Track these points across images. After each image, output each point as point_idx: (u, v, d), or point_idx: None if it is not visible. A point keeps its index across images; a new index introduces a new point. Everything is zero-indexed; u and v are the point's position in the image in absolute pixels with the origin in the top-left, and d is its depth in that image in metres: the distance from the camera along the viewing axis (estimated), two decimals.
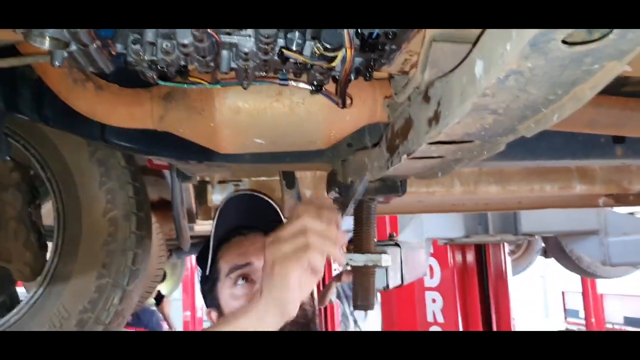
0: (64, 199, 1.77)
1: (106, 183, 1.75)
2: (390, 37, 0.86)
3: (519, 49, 0.53)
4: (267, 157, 1.40)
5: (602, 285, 14.51)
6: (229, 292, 1.35)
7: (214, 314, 1.39)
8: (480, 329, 3.03)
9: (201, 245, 1.54)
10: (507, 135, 0.81)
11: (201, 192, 1.98)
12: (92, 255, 1.73)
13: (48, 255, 1.82)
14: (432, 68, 0.81)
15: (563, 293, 16.90)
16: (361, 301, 1.39)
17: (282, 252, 0.99)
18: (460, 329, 3.02)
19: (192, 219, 3.06)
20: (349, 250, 1.46)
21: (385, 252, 1.41)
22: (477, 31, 0.79)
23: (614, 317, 15.30)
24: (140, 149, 1.38)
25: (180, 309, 12.38)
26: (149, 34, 0.88)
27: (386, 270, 1.55)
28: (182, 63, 0.96)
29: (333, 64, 0.87)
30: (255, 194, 1.56)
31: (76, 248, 1.74)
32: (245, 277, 1.34)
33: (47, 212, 2.05)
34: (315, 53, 0.88)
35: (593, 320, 15.24)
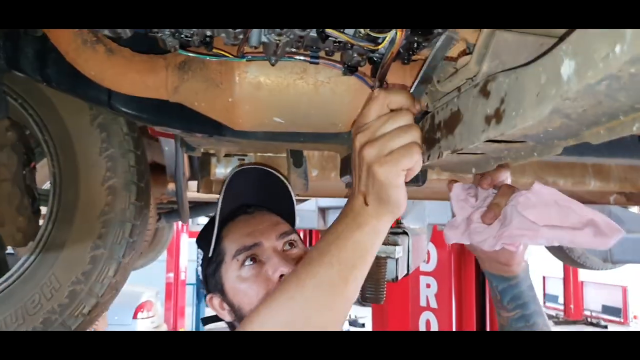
0: (61, 164, 1.68)
1: (107, 150, 1.66)
2: None
3: (633, 53, 0.46)
4: (281, 135, 1.32)
5: (582, 273, 14.71)
6: (236, 275, 1.24)
7: (216, 300, 1.29)
8: (474, 315, 3.01)
9: (193, 211, 1.44)
10: (568, 139, 0.74)
11: (204, 164, 1.89)
12: (88, 225, 1.65)
13: (41, 221, 1.74)
14: (492, 60, 0.73)
15: (544, 278, 17.15)
16: (371, 294, 1.34)
17: (382, 154, 0.85)
18: (454, 315, 3.00)
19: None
20: None
21: (397, 244, 1.35)
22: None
23: (593, 305, 15.58)
24: (148, 119, 1.29)
25: (164, 270, 12.42)
26: None
27: (396, 261, 1.49)
28: (209, 34, 0.87)
29: (380, 47, 0.79)
30: (266, 168, 1.43)
31: (72, 216, 1.66)
32: (253, 258, 1.24)
33: (42, 175, 1.96)
34: (360, 32, 0.80)
35: (572, 306, 15.52)
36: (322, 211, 4.80)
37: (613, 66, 0.48)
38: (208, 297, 1.31)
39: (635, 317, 15.20)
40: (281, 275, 1.19)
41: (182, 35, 0.87)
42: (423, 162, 0.94)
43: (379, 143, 0.84)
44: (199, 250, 1.36)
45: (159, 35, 0.88)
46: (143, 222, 1.75)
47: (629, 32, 0.46)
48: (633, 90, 0.55)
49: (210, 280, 1.30)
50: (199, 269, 1.35)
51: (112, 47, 1.14)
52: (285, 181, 1.42)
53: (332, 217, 4.68)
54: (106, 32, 0.88)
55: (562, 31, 0.72)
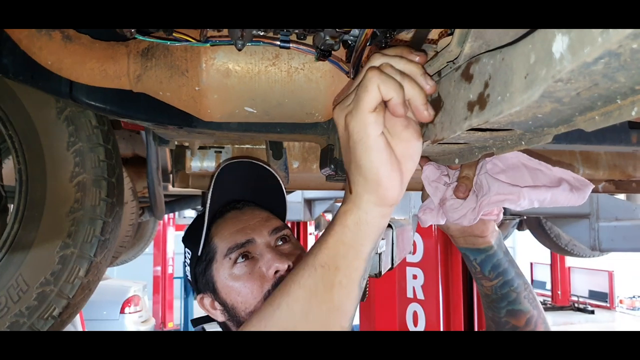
0: (27, 160, 1.59)
1: (75, 144, 1.57)
2: None
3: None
4: (256, 126, 1.25)
5: (569, 259, 14.80)
6: (228, 273, 1.18)
7: (207, 300, 1.23)
8: (461, 306, 2.97)
9: (176, 205, 1.37)
10: (559, 126, 0.68)
11: (179, 157, 1.82)
12: (57, 223, 1.57)
13: (7, 220, 1.65)
14: (475, 40, 0.66)
15: (532, 264, 17.26)
16: None
17: (346, 108, 0.72)
18: (441, 306, 2.96)
19: (166, 178, 2.90)
20: None
21: (381, 237, 1.29)
22: None
23: (580, 291, 15.71)
24: (113, 110, 1.22)
25: (151, 263, 12.33)
26: None
27: (379, 256, 1.43)
28: None
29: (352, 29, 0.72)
30: (255, 162, 1.37)
31: (39, 214, 1.57)
32: (246, 255, 1.18)
33: (8, 171, 1.87)
34: None
35: (559, 292, 15.64)
36: (309, 203, 4.74)
37: (613, 40, 0.41)
38: (198, 297, 1.26)
39: (621, 301, 15.34)
40: (276, 272, 1.15)
41: None
42: None
43: (345, 97, 0.74)
44: (187, 249, 1.31)
45: None
46: (115, 219, 1.67)
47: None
48: (634, 69, 0.48)
49: (200, 279, 1.25)
50: (187, 268, 1.30)
51: (69, 34, 1.06)
52: (275, 174, 1.37)
53: (318, 209, 4.62)
54: None
55: None
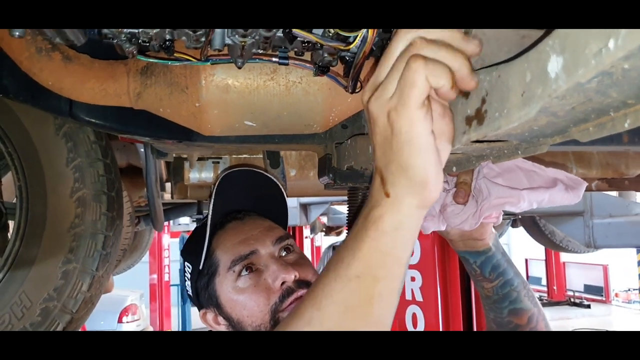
0: (27, 177, 1.60)
1: (74, 160, 1.59)
2: None
3: (628, 49, 0.41)
4: (255, 138, 1.27)
5: (564, 254, 14.88)
6: (232, 286, 1.15)
7: (210, 315, 1.20)
8: (460, 306, 2.99)
9: (172, 213, 1.36)
10: (554, 137, 0.70)
11: (177, 169, 1.83)
12: (58, 239, 1.58)
13: (8, 237, 1.66)
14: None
15: (527, 260, 17.32)
16: None
17: (388, 103, 0.64)
18: (440, 307, 2.98)
19: (161, 186, 2.91)
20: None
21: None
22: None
23: (575, 285, 15.78)
24: (112, 127, 1.23)
25: (147, 272, 12.29)
26: None
27: None
28: (168, 37, 0.81)
29: (351, 47, 0.74)
30: (256, 170, 1.34)
31: (40, 230, 1.58)
32: (249, 267, 1.15)
33: (7, 185, 1.88)
34: (329, 32, 0.75)
35: (555, 287, 15.71)
36: (304, 207, 4.75)
37: (606, 62, 0.44)
38: (201, 313, 1.22)
39: (617, 294, 15.43)
40: (283, 283, 1.12)
41: (140, 40, 0.81)
42: None
43: (381, 87, 0.65)
44: (187, 263, 1.26)
45: (115, 41, 0.81)
46: (116, 232, 1.68)
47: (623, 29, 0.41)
48: (626, 86, 0.51)
49: (202, 294, 1.21)
50: (188, 283, 1.26)
51: (69, 55, 1.08)
52: (277, 183, 1.34)
53: (314, 213, 4.64)
54: (58, 39, 0.81)
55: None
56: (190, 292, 1.26)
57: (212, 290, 1.18)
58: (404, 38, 0.64)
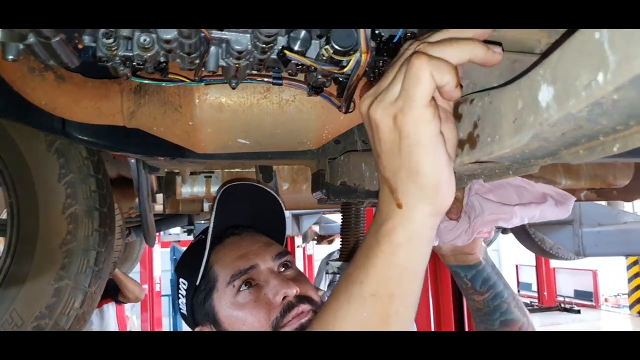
0: (18, 193, 1.59)
1: (66, 176, 1.58)
2: (409, 37, 0.74)
3: (618, 83, 0.42)
4: (248, 155, 1.27)
5: (554, 260, 14.95)
6: (231, 302, 1.13)
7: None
8: (452, 318, 3.00)
9: (163, 224, 1.34)
10: (545, 158, 0.71)
11: (169, 184, 1.83)
12: (50, 256, 1.57)
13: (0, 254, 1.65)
14: (462, 79, 0.69)
15: (517, 266, 17.38)
16: None
17: (392, 106, 0.62)
18: (432, 320, 2.98)
19: (153, 197, 2.90)
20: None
21: None
22: (532, 37, 0.68)
23: (565, 291, 15.85)
24: (105, 145, 1.24)
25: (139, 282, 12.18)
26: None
27: None
28: (162, 60, 0.82)
29: (345, 70, 0.74)
30: (256, 184, 1.34)
31: (32, 247, 1.57)
32: (249, 283, 1.14)
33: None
34: (323, 55, 0.76)
35: (545, 293, 15.77)
36: (297, 218, 4.75)
37: (597, 95, 0.45)
38: (197, 329, 1.20)
39: (606, 299, 15.51)
40: (284, 297, 1.11)
41: (134, 63, 0.81)
42: None
43: (383, 92, 0.63)
44: (182, 280, 1.24)
45: (109, 64, 0.82)
46: (108, 248, 1.68)
47: (612, 59, 0.43)
48: (616, 114, 0.52)
49: (198, 311, 1.19)
50: (182, 300, 1.24)
51: (62, 74, 1.08)
52: (278, 198, 1.34)
53: (306, 223, 4.63)
54: (52, 61, 0.81)
55: (537, 47, 0.69)
56: (184, 311, 1.24)
57: (210, 307, 1.16)
58: (409, 48, 0.63)
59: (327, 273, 1.16)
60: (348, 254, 1.33)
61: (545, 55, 0.59)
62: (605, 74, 0.43)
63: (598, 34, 0.43)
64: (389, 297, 0.65)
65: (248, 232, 1.27)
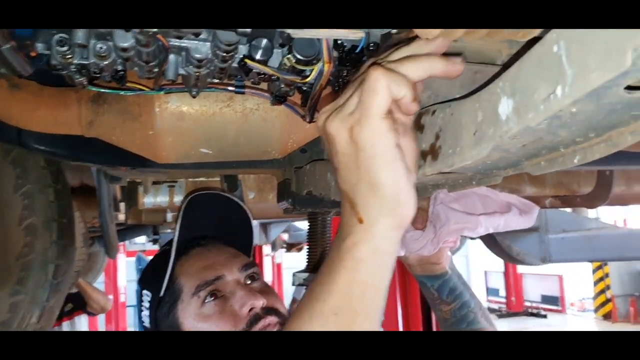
0: None
1: (23, 186, 1.52)
2: (372, 48, 0.74)
3: (575, 96, 0.42)
4: (211, 164, 1.25)
5: (521, 265, 15.16)
6: (196, 313, 1.11)
7: None
8: (421, 326, 3.01)
9: (127, 233, 1.31)
10: (507, 169, 0.71)
11: (131, 193, 1.79)
12: (6, 269, 1.51)
13: None
14: (424, 90, 0.69)
15: (485, 272, 17.61)
16: None
17: (349, 118, 0.61)
18: (400, 328, 2.99)
19: (115, 207, 2.83)
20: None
21: None
22: (493, 48, 0.68)
23: (532, 296, 16.12)
24: (63, 155, 1.20)
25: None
26: (79, 35, 0.71)
27: None
28: (120, 68, 0.79)
29: (307, 79, 0.73)
30: (223, 194, 1.32)
31: None
32: (214, 294, 1.12)
33: None
34: (285, 65, 0.74)
35: (513, 298, 16.01)
36: (264, 226, 4.72)
37: (555, 108, 0.44)
38: None
39: (572, 304, 15.81)
40: (250, 309, 1.09)
41: (91, 71, 0.78)
42: None
43: (340, 106, 0.64)
44: (145, 291, 1.21)
45: (64, 72, 0.79)
46: (68, 260, 1.63)
47: (569, 72, 0.42)
48: (575, 127, 0.52)
49: (162, 323, 1.16)
50: (145, 313, 1.21)
51: (16, 82, 1.04)
52: (245, 207, 1.32)
53: (274, 232, 4.60)
54: (4, 69, 0.78)
55: (497, 57, 0.69)
56: (146, 324, 1.21)
57: (174, 319, 1.14)
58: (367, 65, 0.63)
59: (293, 285, 1.16)
60: (315, 265, 1.32)
61: (506, 66, 0.58)
62: (563, 87, 0.43)
63: (556, 47, 0.43)
64: (352, 313, 0.64)
65: (214, 243, 1.25)
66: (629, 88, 0.44)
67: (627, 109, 0.48)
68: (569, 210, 2.94)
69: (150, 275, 1.25)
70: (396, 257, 0.68)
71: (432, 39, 0.61)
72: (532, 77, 0.46)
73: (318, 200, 1.21)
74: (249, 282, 1.18)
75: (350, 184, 0.64)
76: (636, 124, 0.52)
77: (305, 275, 1.31)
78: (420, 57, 0.61)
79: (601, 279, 14.31)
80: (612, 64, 0.37)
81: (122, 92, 0.88)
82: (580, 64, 0.41)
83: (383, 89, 0.58)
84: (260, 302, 1.10)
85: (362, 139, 0.60)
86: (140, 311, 1.24)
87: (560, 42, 0.42)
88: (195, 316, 1.12)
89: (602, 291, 14.34)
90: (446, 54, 0.61)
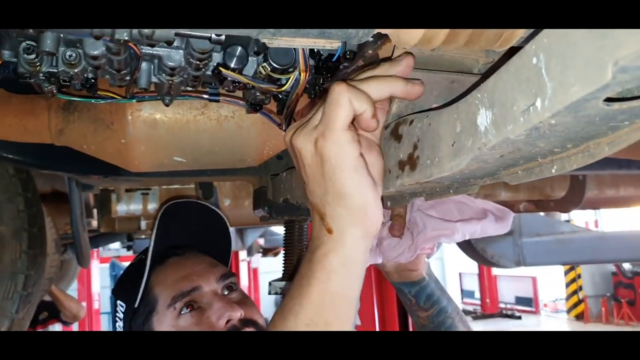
0: None
1: None
2: (348, 57, 0.73)
3: (555, 109, 0.41)
4: (186, 172, 1.23)
5: (496, 268, 15.32)
6: (172, 325, 1.08)
7: None
8: (397, 328, 3.02)
9: (101, 240, 1.27)
10: (484, 178, 0.71)
11: (104, 201, 1.75)
12: None
13: None
14: (401, 99, 0.68)
15: (460, 274, 17.75)
16: None
17: (313, 131, 0.64)
18: (377, 325, 2.99)
19: (89, 213, 2.77)
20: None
21: None
22: (470, 57, 0.68)
23: (507, 297, 16.30)
24: (33, 164, 1.18)
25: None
26: (48, 42, 0.69)
27: None
28: (91, 76, 0.77)
29: (283, 89, 0.72)
30: (200, 202, 1.29)
31: None
32: (190, 305, 1.09)
33: None
34: (260, 73, 0.73)
35: (488, 300, 16.16)
36: (240, 232, 4.68)
37: (534, 121, 0.44)
38: None
39: (545, 305, 16.03)
40: (228, 321, 1.06)
41: (60, 80, 0.76)
42: None
43: (306, 122, 0.66)
44: (119, 302, 1.18)
45: (32, 80, 0.76)
46: (39, 271, 1.59)
47: (549, 85, 0.42)
48: (553, 138, 0.51)
49: None
50: (119, 324, 1.18)
51: None
52: (222, 215, 1.29)
53: (250, 237, 4.57)
54: None
55: (474, 69, 0.69)
56: None
57: (149, 330, 1.11)
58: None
59: (269, 294, 1.14)
60: (291, 273, 1.31)
61: (484, 76, 0.58)
62: (542, 100, 0.43)
63: (535, 59, 0.42)
64: (325, 325, 0.65)
65: (191, 252, 1.22)
66: (608, 100, 0.44)
67: (606, 121, 0.48)
68: (542, 214, 2.98)
69: (124, 286, 1.22)
70: (366, 266, 0.70)
71: (397, 61, 0.65)
72: (511, 89, 0.46)
73: (295, 208, 1.19)
74: (226, 292, 1.15)
75: (318, 196, 0.66)
76: (613, 135, 0.52)
77: (282, 284, 1.30)
78: (383, 78, 0.64)
79: (573, 280, 14.54)
80: (592, 78, 0.37)
81: (93, 101, 0.86)
82: (560, 77, 0.40)
83: (345, 102, 0.61)
84: (237, 314, 1.08)
85: (327, 150, 0.62)
86: (114, 322, 1.21)
87: (540, 54, 0.42)
88: (170, 328, 1.09)
89: (575, 292, 14.57)
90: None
